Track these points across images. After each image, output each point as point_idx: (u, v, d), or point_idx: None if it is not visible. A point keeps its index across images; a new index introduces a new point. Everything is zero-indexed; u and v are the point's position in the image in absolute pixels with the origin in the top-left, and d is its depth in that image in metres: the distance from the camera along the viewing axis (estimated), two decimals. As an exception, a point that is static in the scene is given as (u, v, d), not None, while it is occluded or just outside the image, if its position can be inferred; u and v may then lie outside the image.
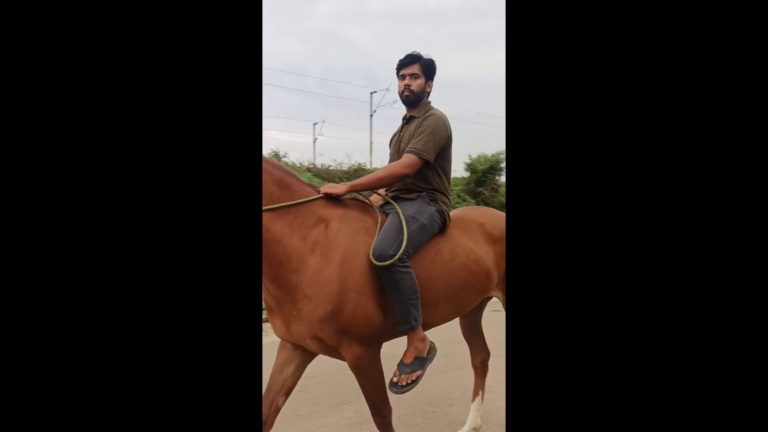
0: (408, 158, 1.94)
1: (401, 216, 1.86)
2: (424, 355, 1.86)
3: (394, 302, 1.77)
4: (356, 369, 1.82)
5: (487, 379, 2.57)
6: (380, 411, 1.88)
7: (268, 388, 1.91)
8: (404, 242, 1.76)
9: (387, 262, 1.71)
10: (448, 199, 2.10)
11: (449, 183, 2.13)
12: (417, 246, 1.87)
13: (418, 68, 2.02)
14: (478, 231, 2.16)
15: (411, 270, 1.78)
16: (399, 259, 1.73)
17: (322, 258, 1.73)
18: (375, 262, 1.72)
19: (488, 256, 2.12)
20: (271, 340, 3.91)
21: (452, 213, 2.19)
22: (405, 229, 1.81)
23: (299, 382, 1.97)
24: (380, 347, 1.88)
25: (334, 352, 1.83)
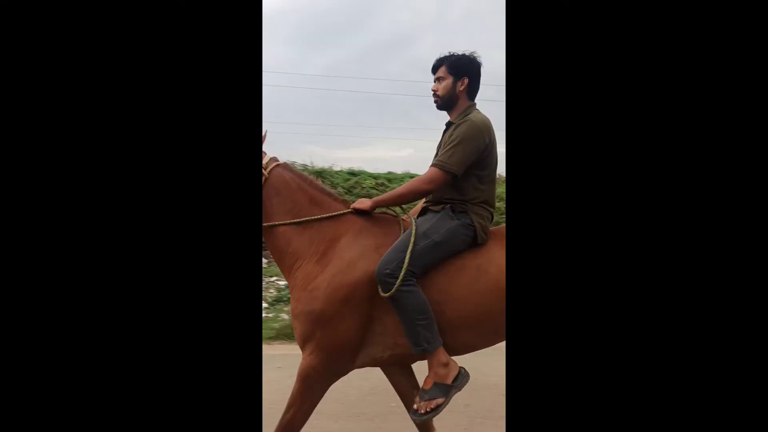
0: (431, 172, 1.80)
1: (412, 233, 1.72)
2: (448, 382, 1.70)
3: (402, 323, 1.68)
4: (303, 377, 1.74)
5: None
6: (290, 429, 1.73)
7: (402, 396, 2.01)
8: (406, 263, 1.64)
9: (387, 294, 1.64)
10: (489, 210, 1.86)
11: (494, 191, 1.90)
12: (427, 265, 1.71)
13: (444, 70, 1.90)
14: None
15: (416, 290, 1.65)
16: (402, 279, 1.62)
17: (319, 266, 1.78)
18: (381, 292, 1.67)
19: None
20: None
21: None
22: (410, 247, 1.67)
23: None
24: (343, 371, 1.79)
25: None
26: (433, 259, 1.73)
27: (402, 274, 1.62)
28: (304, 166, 10.37)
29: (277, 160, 1.99)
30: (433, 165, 1.82)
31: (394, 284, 1.62)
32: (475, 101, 1.94)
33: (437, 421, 1.89)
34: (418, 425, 1.96)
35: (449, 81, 1.88)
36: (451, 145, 1.78)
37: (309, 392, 1.74)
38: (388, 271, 1.64)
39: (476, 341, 1.83)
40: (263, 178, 1.89)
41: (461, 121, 1.84)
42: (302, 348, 1.78)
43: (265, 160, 1.95)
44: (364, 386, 2.81)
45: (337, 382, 1.82)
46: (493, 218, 1.89)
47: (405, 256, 1.65)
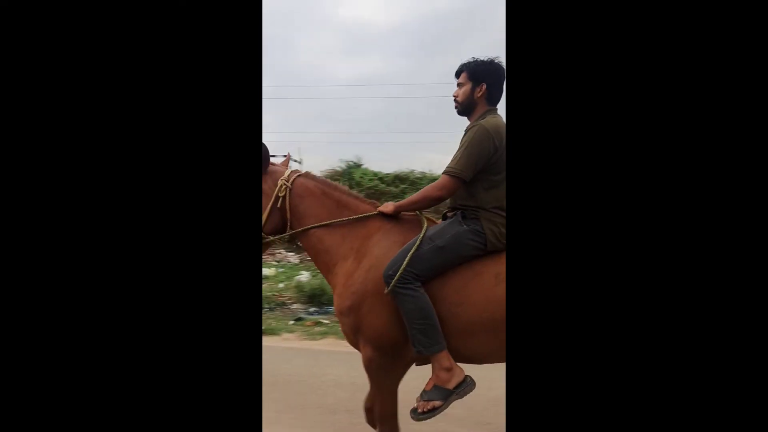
0: (442, 179, 1.84)
1: (420, 236, 1.79)
2: (449, 386, 1.72)
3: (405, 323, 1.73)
4: (366, 370, 1.87)
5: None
6: (383, 426, 1.84)
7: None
8: (404, 264, 1.70)
9: (387, 289, 1.71)
10: (504, 215, 1.82)
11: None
12: (430, 268, 1.74)
13: (464, 76, 1.90)
14: None
15: (416, 293, 1.69)
16: (400, 280, 1.68)
17: (356, 263, 1.88)
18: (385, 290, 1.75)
19: None
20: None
21: None
22: (412, 250, 1.74)
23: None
24: (399, 359, 1.84)
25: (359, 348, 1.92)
26: (437, 264, 1.75)
27: (398, 274, 1.68)
28: (423, 173, 10.58)
29: (299, 172, 2.12)
30: (443, 172, 1.84)
31: (390, 286, 1.70)
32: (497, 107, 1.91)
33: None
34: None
35: (468, 87, 1.89)
36: (458, 152, 1.81)
37: (380, 383, 1.86)
38: (390, 272, 1.71)
39: (489, 351, 1.80)
40: (288, 189, 2.02)
41: (472, 126, 1.85)
42: (355, 345, 1.89)
43: (286, 174, 2.07)
44: (489, 395, 2.81)
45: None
46: None
47: (406, 259, 1.71)
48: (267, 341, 4.76)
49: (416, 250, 1.74)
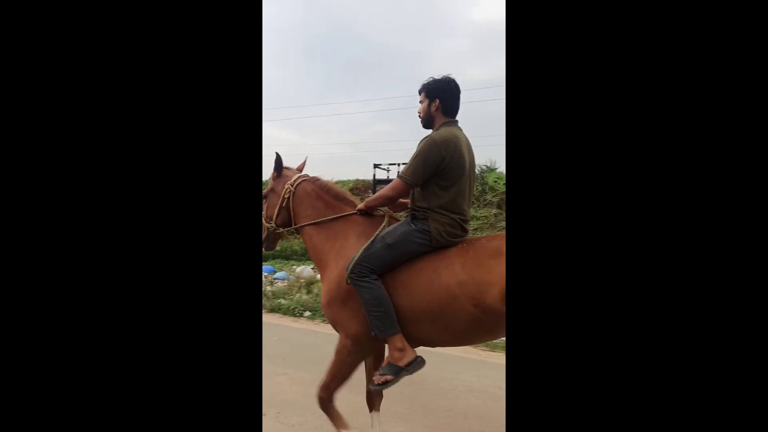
0: (394, 182, 2.15)
1: (374, 236, 2.09)
2: (400, 364, 2.00)
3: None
4: (336, 353, 2.15)
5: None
6: (327, 390, 2.16)
7: (367, 372, 2.43)
8: (355, 259, 2.01)
9: (347, 280, 2.02)
10: (450, 216, 2.05)
11: (460, 199, 2.08)
12: (384, 263, 2.02)
13: (423, 95, 2.17)
14: (484, 253, 1.97)
15: (372, 284, 1.97)
16: (357, 273, 1.98)
17: (335, 261, 2.19)
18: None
19: (482, 280, 1.89)
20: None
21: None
22: (363, 248, 2.03)
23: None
24: (366, 349, 2.16)
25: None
26: (388, 259, 2.02)
27: (350, 268, 2.00)
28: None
29: (305, 177, 2.46)
30: (397, 175, 2.12)
31: (347, 277, 2.01)
32: (456, 118, 2.17)
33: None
34: None
35: (426, 104, 2.16)
36: (411, 159, 2.07)
37: (342, 365, 2.14)
38: (348, 267, 2.03)
39: (432, 336, 2.07)
40: (291, 193, 2.40)
41: (425, 137, 2.08)
42: (337, 331, 2.20)
43: (293, 179, 2.44)
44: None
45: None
46: (462, 223, 2.07)
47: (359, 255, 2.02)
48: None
49: (369, 248, 2.03)
